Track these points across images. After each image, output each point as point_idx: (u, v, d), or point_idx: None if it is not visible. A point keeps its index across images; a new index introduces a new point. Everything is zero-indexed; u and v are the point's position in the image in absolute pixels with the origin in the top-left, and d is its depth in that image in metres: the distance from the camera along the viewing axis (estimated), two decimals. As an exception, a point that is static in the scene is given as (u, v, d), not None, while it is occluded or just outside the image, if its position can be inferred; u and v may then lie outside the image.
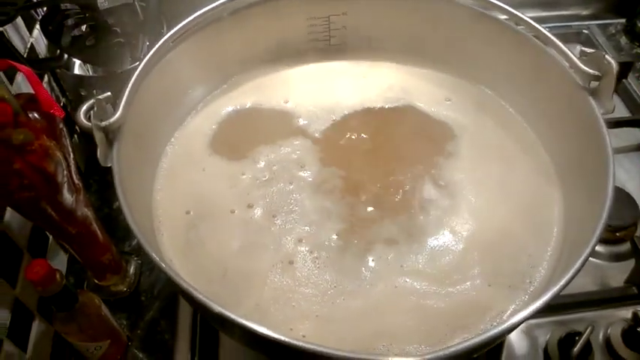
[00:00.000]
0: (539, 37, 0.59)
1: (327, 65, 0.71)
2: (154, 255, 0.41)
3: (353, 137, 0.64)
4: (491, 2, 0.61)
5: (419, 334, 0.48)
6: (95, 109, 0.47)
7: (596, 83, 0.53)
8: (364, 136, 0.65)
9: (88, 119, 0.47)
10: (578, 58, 0.54)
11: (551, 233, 0.54)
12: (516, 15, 0.60)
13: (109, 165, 0.47)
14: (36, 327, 0.62)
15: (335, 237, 0.55)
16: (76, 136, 0.80)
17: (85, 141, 0.81)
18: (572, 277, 0.41)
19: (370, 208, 0.57)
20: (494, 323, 0.47)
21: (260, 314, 0.49)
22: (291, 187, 0.59)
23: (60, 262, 0.71)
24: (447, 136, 0.64)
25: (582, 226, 0.48)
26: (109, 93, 0.49)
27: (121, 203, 0.44)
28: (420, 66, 0.71)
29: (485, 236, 0.55)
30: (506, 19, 0.63)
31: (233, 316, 0.38)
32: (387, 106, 0.67)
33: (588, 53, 0.53)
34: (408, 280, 0.52)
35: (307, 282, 0.51)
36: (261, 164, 0.61)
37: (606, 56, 0.51)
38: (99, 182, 0.80)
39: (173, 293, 0.69)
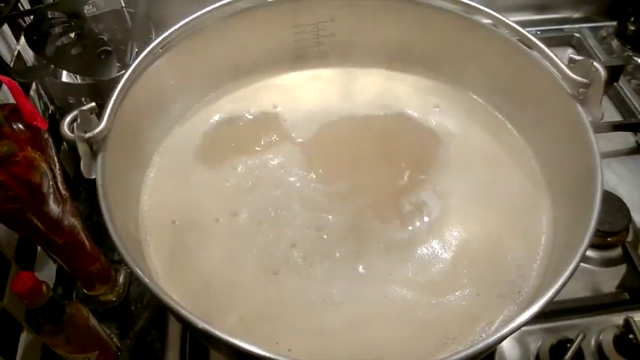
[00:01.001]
0: (527, 44, 0.59)
1: (316, 72, 0.71)
2: (137, 270, 0.40)
3: (341, 144, 0.64)
4: (481, 9, 0.61)
5: (408, 345, 0.47)
6: (78, 120, 0.47)
7: (585, 90, 0.53)
8: (353, 143, 0.64)
9: (72, 131, 0.47)
10: (566, 66, 0.53)
11: (539, 242, 0.54)
12: (505, 22, 0.60)
13: (92, 177, 0.47)
14: (24, 338, 0.61)
15: (322, 245, 0.54)
16: (65, 143, 0.79)
17: (75, 149, 0.80)
18: (561, 288, 0.40)
19: (358, 216, 0.57)
20: (484, 334, 0.47)
21: (245, 328, 0.48)
22: (277, 193, 0.59)
23: (49, 272, 0.70)
24: (436, 143, 0.64)
25: (571, 235, 0.48)
26: (93, 103, 0.48)
27: (104, 218, 0.44)
28: (409, 72, 0.71)
29: (475, 245, 0.54)
30: (494, 26, 0.62)
31: (217, 332, 0.38)
32: (375, 113, 0.67)
33: (576, 60, 0.53)
34: (397, 289, 0.51)
35: (294, 293, 0.51)
36: (246, 171, 0.61)
37: (594, 63, 0.51)
38: (88, 190, 0.80)
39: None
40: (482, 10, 0.60)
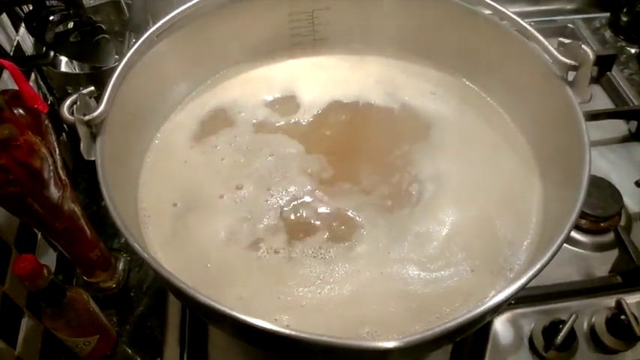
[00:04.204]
0: (520, 31, 0.60)
1: (312, 60, 0.72)
2: (136, 245, 0.41)
3: (338, 130, 0.65)
4: (477, -1, 0.62)
5: (404, 319, 0.48)
6: (78, 103, 0.48)
7: (574, 73, 0.54)
8: (350, 129, 0.65)
9: (72, 114, 0.48)
10: (556, 49, 0.55)
11: (530, 221, 0.55)
12: (499, 10, 0.61)
13: (92, 158, 0.48)
14: (25, 323, 0.62)
15: (321, 227, 0.55)
16: (64, 134, 0.80)
17: (73, 139, 0.81)
18: (548, 261, 0.41)
19: (356, 197, 0.58)
20: (476, 309, 0.48)
21: (244, 305, 0.49)
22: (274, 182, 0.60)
23: (49, 259, 0.71)
24: (432, 128, 0.65)
25: (560, 215, 0.49)
26: (92, 87, 0.49)
27: (103, 195, 0.44)
28: (405, 60, 0.72)
29: (468, 224, 0.55)
30: (489, 14, 0.63)
31: (219, 306, 0.39)
32: (372, 99, 0.68)
33: (565, 44, 0.54)
34: (394, 266, 0.52)
35: (293, 271, 0.52)
36: (238, 147, 0.62)
37: (583, 46, 0.52)
38: (87, 180, 0.81)
39: (162, 289, 0.69)
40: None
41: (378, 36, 0.72)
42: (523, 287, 0.40)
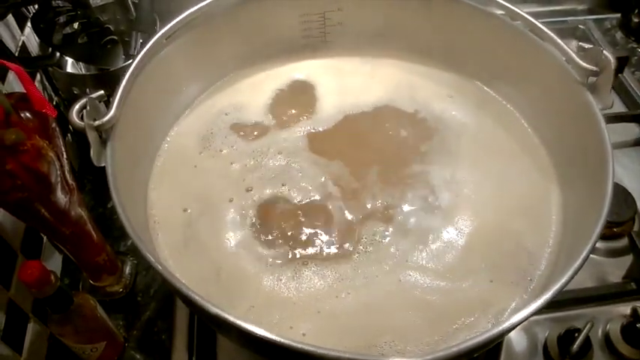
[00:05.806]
0: (537, 34, 0.59)
1: (323, 62, 0.71)
2: (147, 254, 0.40)
3: (351, 134, 0.64)
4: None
5: (422, 330, 0.47)
6: (88, 108, 0.46)
7: (594, 79, 0.53)
8: (363, 132, 0.64)
9: (81, 118, 0.46)
10: (576, 54, 0.53)
11: (549, 231, 0.54)
12: (514, 11, 0.60)
13: (102, 165, 0.46)
14: (31, 329, 0.61)
15: (337, 232, 0.54)
16: (69, 135, 0.79)
17: (79, 140, 0.80)
18: (572, 276, 0.40)
19: (371, 202, 0.57)
20: (494, 321, 0.47)
21: (257, 313, 0.48)
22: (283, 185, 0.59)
23: (55, 263, 0.71)
24: (449, 133, 0.63)
25: (581, 224, 0.48)
26: (101, 91, 0.48)
27: (115, 204, 0.43)
28: (419, 63, 0.70)
29: (487, 233, 0.54)
30: (504, 15, 0.62)
31: (228, 317, 0.37)
32: (387, 102, 0.67)
33: (586, 49, 0.53)
34: (412, 274, 0.51)
35: (308, 277, 0.51)
36: (253, 152, 0.61)
37: (604, 51, 0.51)
38: (93, 182, 0.80)
39: (169, 293, 0.68)
40: (494, 1, 0.60)
41: (389, 38, 0.71)
42: (547, 302, 0.39)
